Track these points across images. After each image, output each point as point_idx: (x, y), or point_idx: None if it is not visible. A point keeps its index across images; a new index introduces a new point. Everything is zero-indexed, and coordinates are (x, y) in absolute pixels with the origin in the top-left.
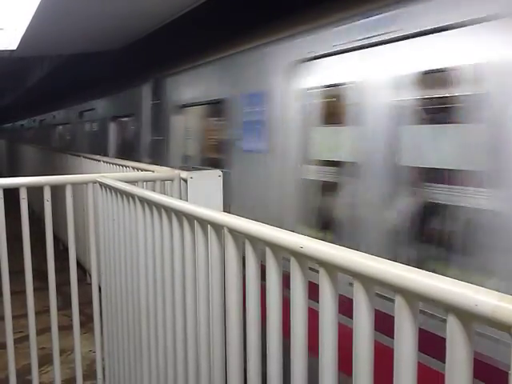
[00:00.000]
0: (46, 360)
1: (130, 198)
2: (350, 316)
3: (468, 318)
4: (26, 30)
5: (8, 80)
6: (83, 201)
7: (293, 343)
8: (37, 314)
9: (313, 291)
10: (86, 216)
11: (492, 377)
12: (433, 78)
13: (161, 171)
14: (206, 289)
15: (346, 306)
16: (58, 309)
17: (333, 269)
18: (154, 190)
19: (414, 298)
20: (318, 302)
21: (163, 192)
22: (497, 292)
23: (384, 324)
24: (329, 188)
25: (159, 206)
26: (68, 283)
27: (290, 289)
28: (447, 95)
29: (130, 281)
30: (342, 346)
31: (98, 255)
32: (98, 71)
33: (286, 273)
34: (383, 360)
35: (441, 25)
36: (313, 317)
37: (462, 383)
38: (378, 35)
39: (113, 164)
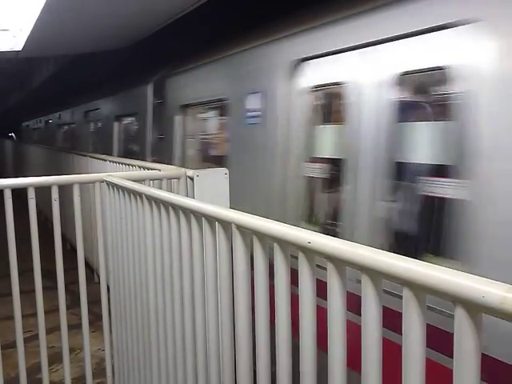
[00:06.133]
0: (55, 359)
1: (138, 197)
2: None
3: (475, 309)
4: (32, 31)
5: (15, 80)
6: (90, 200)
7: (302, 337)
8: (46, 313)
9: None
10: (94, 215)
11: None
12: None
13: (167, 170)
14: (215, 286)
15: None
16: (67, 308)
17: (341, 263)
18: (160, 189)
19: (421, 290)
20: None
21: (170, 190)
22: (504, 283)
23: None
24: None
25: (167, 204)
26: (76, 282)
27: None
28: None
29: (139, 279)
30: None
31: (106, 254)
32: None
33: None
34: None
35: None
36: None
37: (470, 374)
38: None
39: (119, 163)
